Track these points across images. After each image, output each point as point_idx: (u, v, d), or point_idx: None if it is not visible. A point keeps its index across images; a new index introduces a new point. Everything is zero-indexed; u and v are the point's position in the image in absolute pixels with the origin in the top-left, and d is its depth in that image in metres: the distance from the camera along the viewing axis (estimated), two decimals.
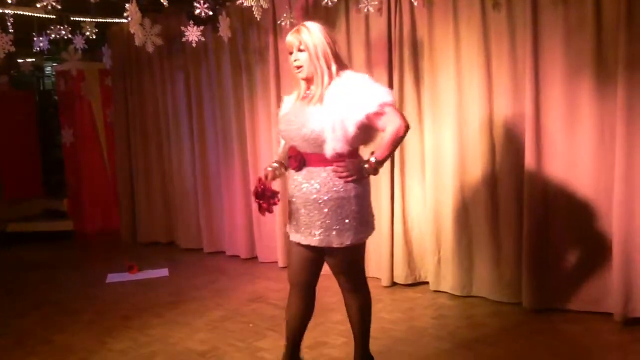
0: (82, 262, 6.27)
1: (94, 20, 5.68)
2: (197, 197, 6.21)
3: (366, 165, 2.66)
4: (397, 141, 2.65)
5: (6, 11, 5.03)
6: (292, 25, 4.78)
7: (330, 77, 2.64)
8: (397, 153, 4.53)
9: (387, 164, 4.56)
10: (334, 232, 2.67)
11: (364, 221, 2.74)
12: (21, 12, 5.22)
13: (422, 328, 3.82)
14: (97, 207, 7.33)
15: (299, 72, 2.69)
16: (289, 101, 2.88)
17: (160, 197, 6.64)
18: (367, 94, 2.58)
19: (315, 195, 2.67)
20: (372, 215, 2.85)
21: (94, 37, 5.50)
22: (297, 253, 2.82)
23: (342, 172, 2.64)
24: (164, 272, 5.50)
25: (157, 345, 3.75)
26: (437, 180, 4.39)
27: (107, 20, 6.21)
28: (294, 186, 2.76)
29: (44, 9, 4.64)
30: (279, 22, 4.82)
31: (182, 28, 4.86)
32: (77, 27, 5.52)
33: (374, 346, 3.15)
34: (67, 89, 7.31)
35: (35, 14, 5.53)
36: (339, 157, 2.63)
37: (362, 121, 2.58)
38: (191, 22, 4.82)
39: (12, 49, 4.89)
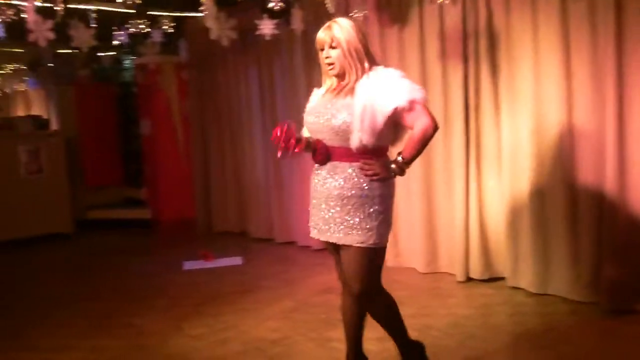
0: (159, 249, 6.49)
1: (171, 14, 5.84)
2: (269, 188, 6.30)
3: (393, 165, 2.59)
4: (425, 140, 2.56)
5: (89, 7, 5.24)
6: (366, 18, 4.76)
7: (363, 72, 2.58)
8: (472, 145, 4.44)
9: (461, 155, 4.49)
10: (354, 231, 2.59)
11: (387, 223, 2.65)
12: (103, 8, 5.42)
13: (498, 325, 3.74)
14: (173, 196, 7.55)
15: (331, 69, 2.61)
16: (317, 94, 2.81)
17: (234, 188, 6.77)
18: (397, 88, 2.51)
19: (338, 191, 2.60)
20: (392, 220, 2.75)
21: (171, 31, 5.65)
22: (341, 256, 2.73)
23: (368, 170, 2.57)
24: (237, 260, 5.62)
25: (231, 332, 3.83)
26: (514, 175, 4.27)
27: (184, 15, 6.36)
28: (317, 181, 2.71)
29: (124, 4, 4.82)
30: (351, 14, 4.81)
31: (257, 21, 4.92)
32: (155, 22, 5.69)
33: (447, 341, 3.11)
34: (145, 81, 7.56)
35: (116, 9, 5.74)
36: (364, 150, 2.55)
37: (390, 115, 2.51)
38: (265, 15, 4.88)
39: (94, 43, 5.10)
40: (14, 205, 6.79)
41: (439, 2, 4.28)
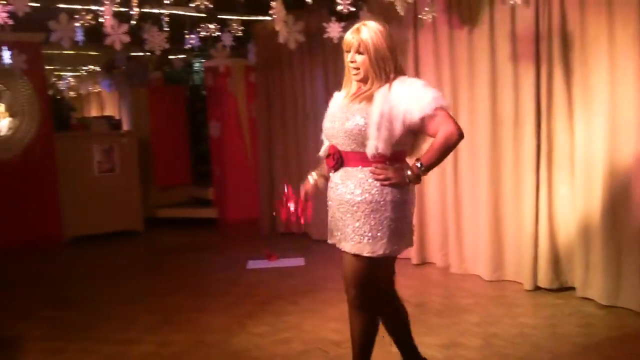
0: (225, 247, 6.61)
1: (240, 18, 5.94)
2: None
3: (409, 172, 2.49)
4: (447, 148, 2.45)
5: (162, 11, 5.40)
6: (434, 20, 4.71)
7: (387, 81, 2.50)
8: (543, 150, 4.32)
9: (531, 160, 4.38)
10: (365, 239, 2.50)
11: (400, 232, 2.54)
12: (175, 12, 5.57)
13: (566, 336, 3.62)
14: (239, 196, 7.68)
15: (356, 74, 2.54)
16: (337, 98, 2.75)
17: (296, 189, 6.80)
18: (422, 96, 2.43)
19: (349, 197, 2.53)
20: (412, 230, 2.63)
21: (241, 34, 5.75)
22: (343, 259, 2.66)
23: (379, 174, 2.49)
24: (300, 261, 5.67)
25: (293, 331, 3.87)
26: (586, 181, 4.12)
27: (253, 18, 6.46)
28: (330, 187, 2.66)
29: (196, 9, 4.93)
30: (419, 16, 4.77)
31: (324, 24, 4.94)
32: (225, 25, 5.80)
33: (512, 350, 3.04)
34: (214, 84, 7.73)
35: (187, 13, 5.89)
36: (379, 158, 2.48)
37: (414, 122, 2.43)
38: (333, 18, 4.90)
39: (167, 46, 5.24)
40: (87, 203, 7.07)
41: (510, 2, 4.19)
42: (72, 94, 11.96)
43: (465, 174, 4.98)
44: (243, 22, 5.88)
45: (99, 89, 11.70)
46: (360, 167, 2.52)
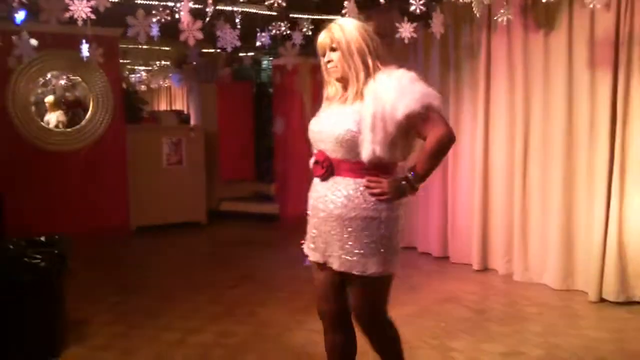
0: (285, 243, 6.67)
1: (311, 17, 5.98)
2: None
3: (404, 182, 2.27)
4: (439, 153, 2.24)
5: (235, 8, 5.50)
6: (509, 22, 4.62)
7: (368, 75, 2.28)
8: (617, 159, 4.17)
9: (604, 169, 4.24)
10: (355, 257, 2.29)
11: (394, 250, 2.33)
12: (248, 10, 5.66)
13: (636, 352, 3.49)
14: (300, 193, 7.69)
15: (335, 72, 2.35)
16: (325, 104, 2.52)
17: None
18: (410, 92, 2.18)
19: (340, 211, 2.31)
20: (401, 246, 2.41)
21: (311, 33, 5.79)
22: (320, 276, 2.49)
23: (375, 189, 2.27)
24: None
25: None
26: None
27: (324, 17, 6.50)
28: (315, 197, 2.42)
29: (269, 7, 4.99)
30: (495, 18, 4.68)
31: (397, 24, 4.92)
32: (295, 24, 5.86)
33: None
34: (281, 82, 7.81)
35: (260, 11, 5.97)
36: (375, 164, 2.25)
37: (403, 122, 2.19)
38: (405, 18, 4.87)
39: (239, 43, 5.33)
40: (154, 194, 7.28)
41: (590, 6, 4.06)
42: (143, 87, 12.34)
43: (535, 181, 4.86)
44: (313, 21, 5.92)
45: (169, 84, 12.02)
46: (351, 178, 2.30)
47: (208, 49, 8.63)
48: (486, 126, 5.21)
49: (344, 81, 2.36)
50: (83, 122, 7.10)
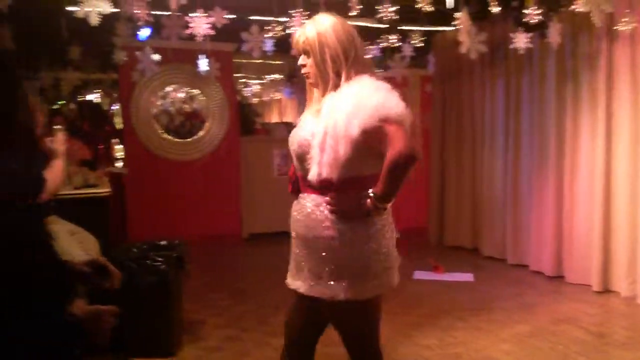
0: None
1: (421, 28, 5.94)
2: (505, 206, 6.10)
3: (368, 201, 2.01)
4: (397, 172, 1.94)
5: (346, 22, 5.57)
6: (633, 31, 4.37)
7: (337, 86, 2.05)
8: None
9: None
10: (322, 282, 2.09)
11: (366, 273, 2.07)
12: (359, 23, 5.71)
13: None
14: (407, 205, 7.63)
15: (307, 78, 2.15)
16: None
17: (469, 202, 6.68)
18: (368, 104, 1.94)
19: (302, 231, 2.13)
20: (387, 268, 2.13)
21: (422, 45, 5.76)
22: (293, 301, 2.31)
23: (332, 206, 2.05)
24: (468, 276, 5.52)
25: (461, 347, 3.78)
26: None
27: (434, 29, 6.45)
28: (291, 216, 2.23)
29: (379, 20, 5.02)
30: (615, 27, 4.44)
31: (511, 35, 4.79)
32: (405, 36, 5.85)
33: None
34: None
35: (369, 25, 6.01)
36: (331, 185, 2.02)
37: (355, 138, 1.95)
38: (520, 28, 4.73)
39: None
40: (266, 203, 7.47)
41: None
42: (256, 100, 12.77)
43: None
44: (424, 33, 5.89)
45: (280, 96, 12.35)
46: (310, 195, 2.11)
47: None
48: (607, 138, 4.92)
49: (317, 88, 2.14)
50: (201, 133, 7.43)
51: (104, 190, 4.85)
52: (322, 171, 2.01)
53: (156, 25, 4.70)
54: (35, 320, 1.22)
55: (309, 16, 4.85)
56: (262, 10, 5.74)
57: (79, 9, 3.52)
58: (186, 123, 7.71)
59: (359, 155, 2.00)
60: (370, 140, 1.97)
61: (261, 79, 11.92)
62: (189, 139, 7.43)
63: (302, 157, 2.10)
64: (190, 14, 4.46)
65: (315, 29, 2.09)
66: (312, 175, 2.04)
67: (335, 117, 1.98)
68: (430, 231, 7.20)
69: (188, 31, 4.50)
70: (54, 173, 3.18)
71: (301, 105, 10.81)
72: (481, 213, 6.49)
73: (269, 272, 5.91)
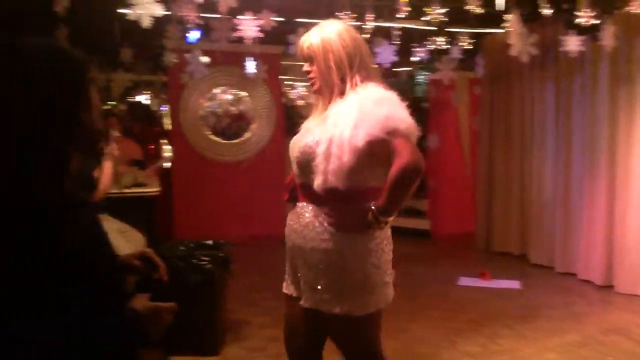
0: (436, 260, 6.56)
1: (470, 30, 5.88)
2: (554, 212, 5.96)
3: (369, 214, 1.97)
4: (401, 185, 1.90)
5: (394, 25, 5.55)
6: None
7: (342, 93, 2.02)
8: None
9: None
10: (318, 294, 2.04)
11: (365, 287, 2.02)
12: (407, 26, 5.69)
13: None
14: (454, 210, 7.59)
15: (312, 85, 2.11)
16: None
17: (517, 208, 6.55)
18: (375, 115, 1.90)
19: (299, 241, 2.09)
20: (386, 283, 2.09)
21: (470, 47, 5.69)
22: (290, 311, 2.26)
23: (332, 218, 2.01)
24: (515, 284, 5.41)
25: (506, 355, 3.72)
26: None
27: (483, 31, 6.36)
28: (287, 225, 2.20)
29: (428, 22, 4.99)
30: None
31: (562, 37, 4.69)
32: (454, 38, 5.79)
33: None
34: (438, 96, 7.73)
35: (418, 27, 5.98)
36: (334, 196, 1.97)
37: (363, 149, 1.90)
38: (572, 31, 4.62)
39: (396, 58, 5.37)
40: None
41: None
42: (301, 102, 12.81)
43: None
44: (473, 35, 5.82)
45: None
46: (310, 205, 2.07)
47: None
48: None
49: (322, 95, 2.11)
50: (247, 135, 7.51)
51: (153, 189, 4.96)
52: (328, 180, 1.96)
53: (205, 28, 4.79)
54: (99, 317, 1.25)
55: (356, 18, 4.87)
56: (309, 12, 5.78)
57: (131, 11, 3.61)
58: (233, 125, 7.81)
59: (362, 166, 1.96)
60: (375, 151, 1.93)
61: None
62: (235, 141, 7.52)
63: (304, 165, 2.05)
64: (239, 17, 4.53)
65: (319, 35, 2.06)
66: (318, 185, 1.98)
67: (341, 126, 1.94)
68: (477, 236, 7.09)
69: (237, 34, 4.57)
70: (105, 174, 3.28)
71: None
72: (530, 219, 6.36)
73: None
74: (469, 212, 7.36)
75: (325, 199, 2.01)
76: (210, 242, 3.90)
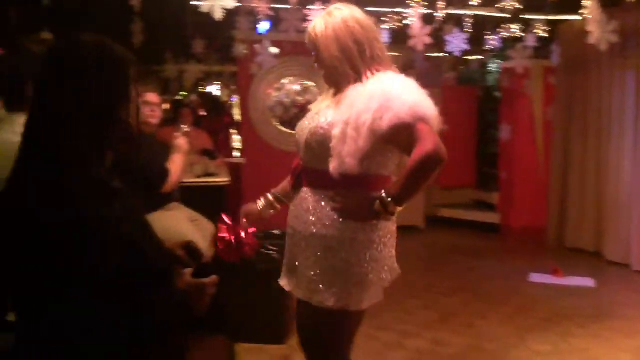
0: (506, 255, 6.41)
1: (546, 17, 5.67)
2: (631, 207, 5.70)
3: (378, 202, 1.87)
4: (420, 173, 1.82)
5: (465, 12, 5.41)
6: None
7: (356, 79, 1.94)
8: None
9: None
10: (314, 284, 1.94)
11: (363, 282, 1.93)
12: (480, 13, 5.54)
13: None
14: (525, 203, 7.36)
15: (323, 75, 2.05)
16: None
17: (593, 203, 6.29)
18: (396, 98, 1.82)
19: (301, 227, 2.01)
20: (383, 279, 2.01)
21: (545, 35, 5.49)
22: (295, 301, 2.14)
23: (338, 203, 1.93)
24: (588, 281, 5.21)
25: (577, 355, 3.61)
26: None
27: (560, 18, 6.12)
28: (290, 211, 2.13)
29: (502, 9, 4.84)
30: None
31: None
32: (528, 26, 5.60)
33: None
34: (510, 86, 7.50)
35: (491, 14, 5.81)
36: (346, 181, 1.89)
37: (383, 132, 1.83)
38: None
39: (467, 47, 5.24)
40: None
41: None
42: None
43: None
44: (548, 22, 5.61)
45: None
46: (318, 189, 2.00)
47: (434, 53, 8.63)
48: None
49: (332, 84, 2.05)
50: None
51: (223, 179, 5.05)
52: (345, 162, 1.88)
53: (275, 19, 4.82)
54: (145, 298, 1.32)
55: (427, 6, 4.78)
56: (380, 1, 5.72)
57: (203, 3, 3.67)
58: (300, 115, 7.83)
59: (377, 152, 1.91)
60: (395, 138, 1.86)
61: None
62: None
63: (313, 147, 1.99)
64: (308, 7, 4.53)
65: (324, 22, 1.99)
66: (334, 167, 1.90)
67: (360, 108, 1.87)
68: (550, 232, 6.86)
69: (306, 24, 4.57)
70: (176, 166, 3.36)
71: None
72: (605, 214, 6.10)
73: None
74: (541, 206, 7.12)
75: (331, 184, 1.93)
76: (277, 231, 3.93)
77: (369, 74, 1.94)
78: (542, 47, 6.50)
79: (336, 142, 1.90)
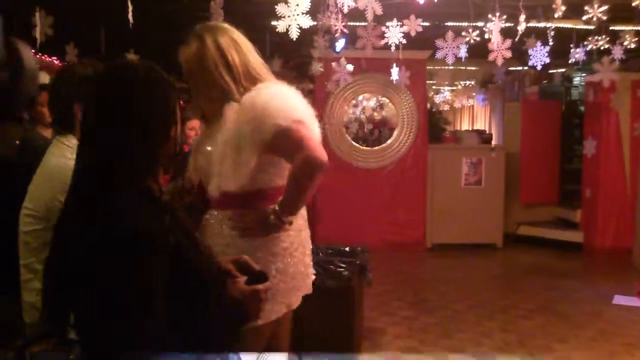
0: (588, 276, 6.13)
1: (635, 28, 5.42)
2: None
3: (272, 216, 1.89)
4: (302, 181, 1.86)
5: (548, 24, 5.25)
6: None
7: (233, 98, 1.92)
8: None
9: None
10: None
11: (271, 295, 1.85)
12: (563, 25, 5.36)
13: None
14: (611, 222, 7.03)
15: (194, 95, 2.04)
16: None
17: None
18: (274, 106, 1.84)
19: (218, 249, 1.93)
20: (293, 288, 2.00)
21: (634, 46, 5.24)
22: None
23: (237, 223, 1.92)
24: None
25: None
26: None
27: None
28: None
29: (587, 21, 4.65)
30: None
31: None
32: (616, 37, 5.37)
33: None
34: (595, 99, 7.22)
35: (575, 26, 5.61)
36: (228, 198, 1.91)
37: (263, 142, 1.84)
38: None
39: (547, 60, 5.08)
40: (452, 212, 7.31)
41: None
42: (446, 107, 12.58)
43: None
44: (637, 33, 5.36)
45: (472, 103, 12.05)
46: (215, 210, 2.02)
47: (515, 66, 8.42)
48: None
49: (209, 108, 2.05)
50: (389, 141, 7.49)
51: None
52: (223, 185, 1.92)
53: (351, 36, 4.84)
54: (201, 306, 1.37)
55: (507, 20, 4.67)
56: (458, 15, 5.65)
57: (280, 23, 3.73)
58: (375, 131, 7.82)
59: (268, 163, 1.93)
60: (276, 146, 1.87)
61: (453, 85, 11.73)
62: (377, 147, 7.52)
63: (204, 170, 2.03)
64: (386, 23, 4.53)
65: (194, 43, 1.98)
66: (211, 189, 1.95)
67: (238, 124, 1.89)
68: (635, 252, 6.51)
69: (383, 42, 4.57)
70: None
71: (494, 112, 10.44)
72: None
73: (453, 284, 5.78)
74: (627, 225, 6.79)
75: (227, 204, 1.96)
76: (347, 248, 3.92)
77: (244, 87, 1.95)
78: (630, 59, 6.21)
79: (215, 163, 1.94)
